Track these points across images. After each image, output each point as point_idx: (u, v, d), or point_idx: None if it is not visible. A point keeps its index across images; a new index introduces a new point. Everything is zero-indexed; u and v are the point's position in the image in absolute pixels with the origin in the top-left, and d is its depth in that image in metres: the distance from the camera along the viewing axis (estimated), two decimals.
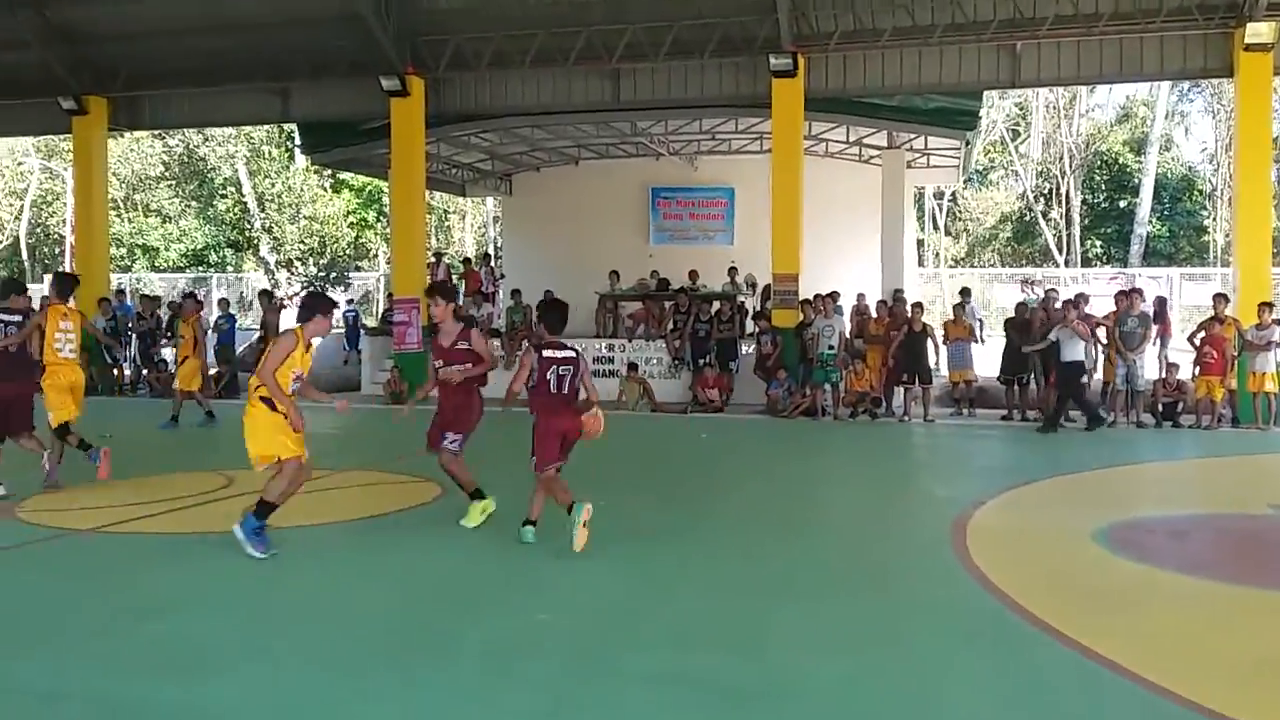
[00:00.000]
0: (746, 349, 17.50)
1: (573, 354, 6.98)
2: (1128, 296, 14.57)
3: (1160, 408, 14.45)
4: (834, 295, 15.73)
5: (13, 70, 19.97)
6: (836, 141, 22.23)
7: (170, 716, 4.28)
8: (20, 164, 37.73)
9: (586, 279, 20.67)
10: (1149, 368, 14.96)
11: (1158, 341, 16.27)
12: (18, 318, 9.40)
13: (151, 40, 19.06)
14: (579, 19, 17.02)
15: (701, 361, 16.88)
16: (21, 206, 38.83)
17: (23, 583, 6.38)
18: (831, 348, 15.19)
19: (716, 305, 18.01)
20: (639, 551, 7.03)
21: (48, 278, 32.72)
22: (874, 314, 16.60)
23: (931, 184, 31.26)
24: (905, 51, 16.44)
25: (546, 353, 6.89)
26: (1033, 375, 15.08)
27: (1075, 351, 13.71)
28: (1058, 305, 14.94)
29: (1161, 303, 17.91)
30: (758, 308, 18.76)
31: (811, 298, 16.07)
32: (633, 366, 17.41)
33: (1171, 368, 14.97)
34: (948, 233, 43.43)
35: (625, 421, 15.54)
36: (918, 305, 15.45)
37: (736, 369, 17.09)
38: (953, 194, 40.82)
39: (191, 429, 14.15)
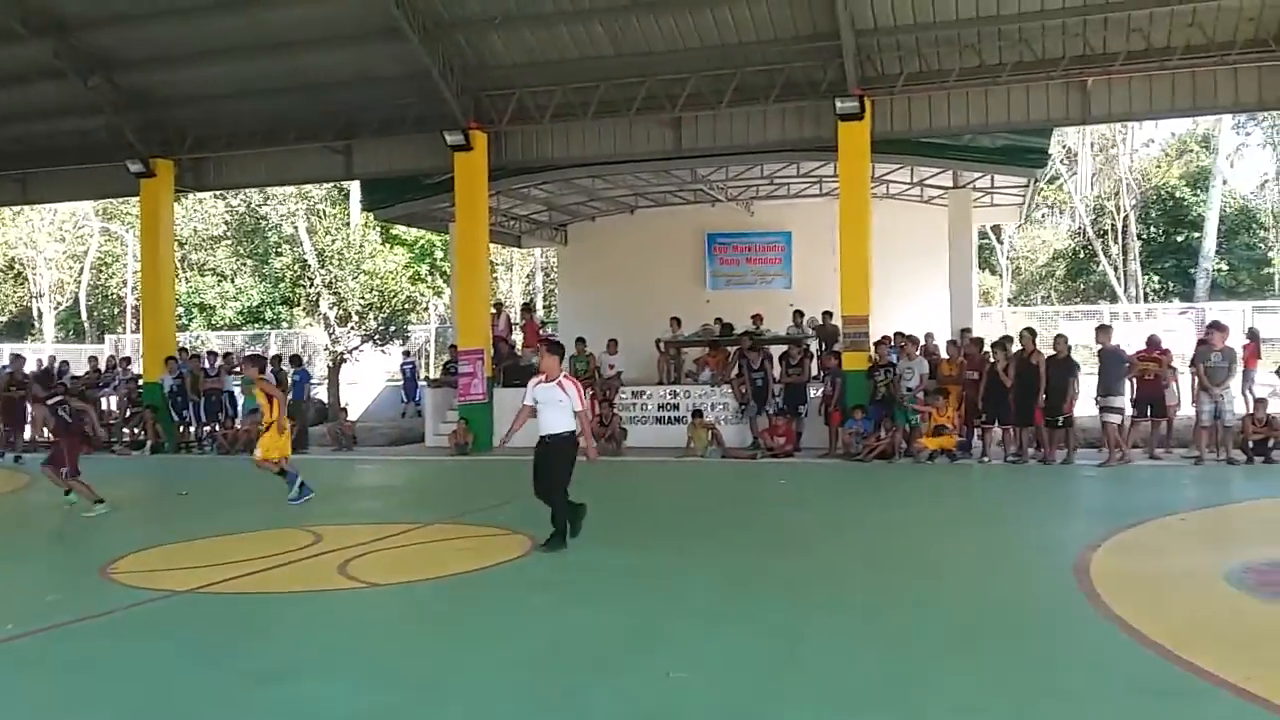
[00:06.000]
0: (814, 392, 17.28)
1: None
2: (1215, 331, 14.26)
3: (1251, 444, 14.04)
4: (913, 338, 15.54)
5: (82, 136, 20.45)
6: (899, 182, 22.10)
7: None
8: (81, 227, 38.54)
9: (644, 326, 20.58)
10: (1236, 403, 14.59)
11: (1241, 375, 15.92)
12: None
13: (219, 102, 19.45)
14: (641, 70, 17.09)
15: (769, 407, 16.69)
16: (82, 268, 39.63)
17: (132, 650, 6.21)
18: (910, 389, 14.96)
19: (783, 349, 17.83)
20: (754, 604, 6.81)
21: (109, 338, 33.26)
22: (944, 354, 16.37)
23: (992, 223, 30.96)
24: (972, 91, 16.32)
25: None
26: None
27: None
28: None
29: (1254, 335, 17.67)
30: (819, 350, 18.60)
31: (889, 338, 15.89)
32: (698, 413, 17.21)
33: (1260, 403, 14.56)
34: (992, 271, 43.03)
35: (697, 468, 15.38)
36: (998, 344, 15.14)
37: (805, 413, 16.86)
38: (995, 231, 40.39)
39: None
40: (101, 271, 40.77)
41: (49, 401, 12.41)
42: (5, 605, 7.15)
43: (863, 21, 15.63)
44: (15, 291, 39.69)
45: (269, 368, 12.98)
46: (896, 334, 16.44)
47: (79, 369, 22.76)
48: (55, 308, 39.76)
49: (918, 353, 15.90)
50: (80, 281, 39.85)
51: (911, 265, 22.03)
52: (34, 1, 17.47)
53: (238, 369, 20.54)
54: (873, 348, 16.06)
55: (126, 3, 17.39)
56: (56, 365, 22.66)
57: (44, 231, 37.38)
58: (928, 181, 21.77)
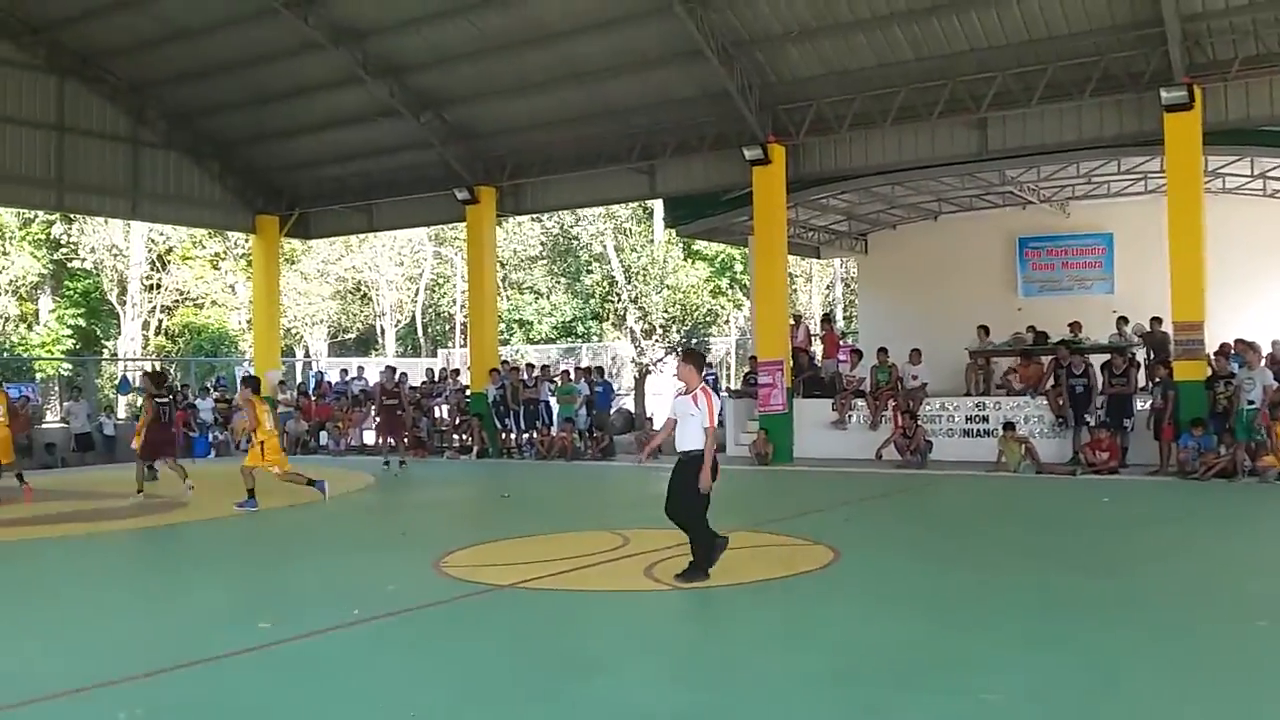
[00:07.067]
0: (1141, 405, 16.03)
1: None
2: None
3: None
4: (1255, 345, 14.09)
5: (416, 169, 22.50)
6: (1236, 175, 20.09)
7: None
8: (416, 252, 42.29)
9: (950, 335, 19.91)
10: None
11: None
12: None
13: (534, 132, 20.81)
14: (943, 72, 16.63)
15: (1090, 420, 15.67)
16: (418, 289, 43.49)
17: (460, 637, 6.76)
18: (1252, 402, 13.57)
19: (1105, 358, 16.67)
20: (1070, 628, 6.41)
21: (440, 352, 36.03)
22: None
23: None
24: None
25: None
26: None
27: None
28: None
29: None
30: (1147, 359, 17.26)
31: (1229, 345, 14.52)
32: (1009, 426, 16.41)
33: None
34: None
35: (1009, 484, 14.67)
36: None
37: (1131, 427, 15.66)
38: None
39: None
40: (434, 291, 44.59)
41: (157, 400, 13.61)
42: (352, 592, 7.95)
43: (1188, 6, 14.49)
44: (362, 310, 44.20)
45: (261, 387, 13.94)
46: (1237, 340, 14.99)
47: (416, 380, 24.96)
48: (395, 325, 43.90)
49: (1262, 362, 14.39)
50: (416, 301, 43.77)
51: (1253, 265, 20.00)
52: (374, 48, 19.44)
53: (553, 380, 21.84)
54: (1212, 356, 14.72)
55: (452, 44, 18.99)
56: (397, 376, 24.98)
57: (385, 256, 41.38)
58: (1270, 173, 19.68)
